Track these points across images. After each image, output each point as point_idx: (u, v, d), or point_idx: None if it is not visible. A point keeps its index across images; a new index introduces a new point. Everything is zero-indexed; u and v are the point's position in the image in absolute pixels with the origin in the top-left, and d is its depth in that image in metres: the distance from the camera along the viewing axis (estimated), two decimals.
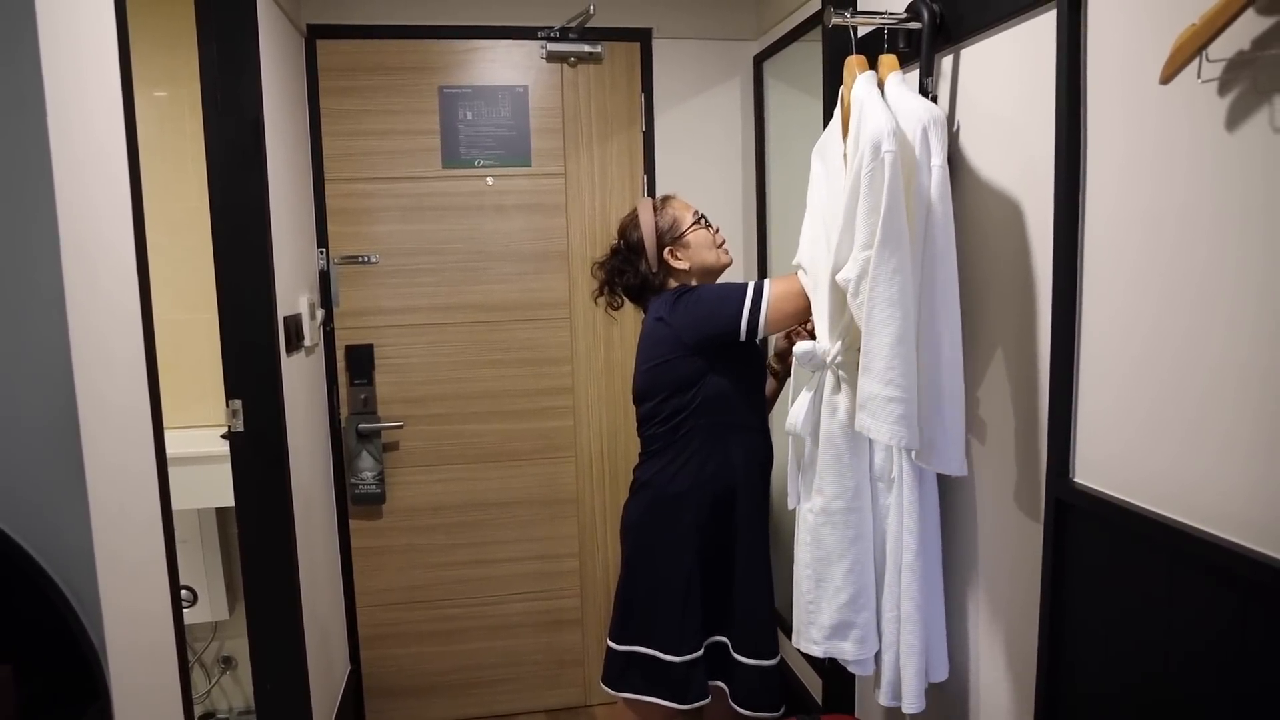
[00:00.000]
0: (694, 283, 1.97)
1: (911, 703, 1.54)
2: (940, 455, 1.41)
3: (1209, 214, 1.02)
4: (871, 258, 1.35)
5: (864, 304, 1.38)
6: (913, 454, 1.43)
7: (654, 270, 1.98)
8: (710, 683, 1.95)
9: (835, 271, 1.47)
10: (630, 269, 2.00)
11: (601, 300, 2.09)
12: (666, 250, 1.96)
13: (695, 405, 1.88)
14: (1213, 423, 1.03)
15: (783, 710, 1.96)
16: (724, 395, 1.88)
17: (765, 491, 1.99)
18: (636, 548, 1.97)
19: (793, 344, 1.72)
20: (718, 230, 2.01)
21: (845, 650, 1.60)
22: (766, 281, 1.84)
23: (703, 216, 1.99)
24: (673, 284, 1.98)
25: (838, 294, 1.50)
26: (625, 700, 1.98)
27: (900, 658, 1.55)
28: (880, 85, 1.48)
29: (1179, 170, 1.06)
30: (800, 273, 1.74)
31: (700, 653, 1.91)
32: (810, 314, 1.75)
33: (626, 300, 2.06)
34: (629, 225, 2.02)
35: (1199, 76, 1.01)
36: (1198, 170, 1.03)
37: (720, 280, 1.99)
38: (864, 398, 1.40)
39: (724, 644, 1.96)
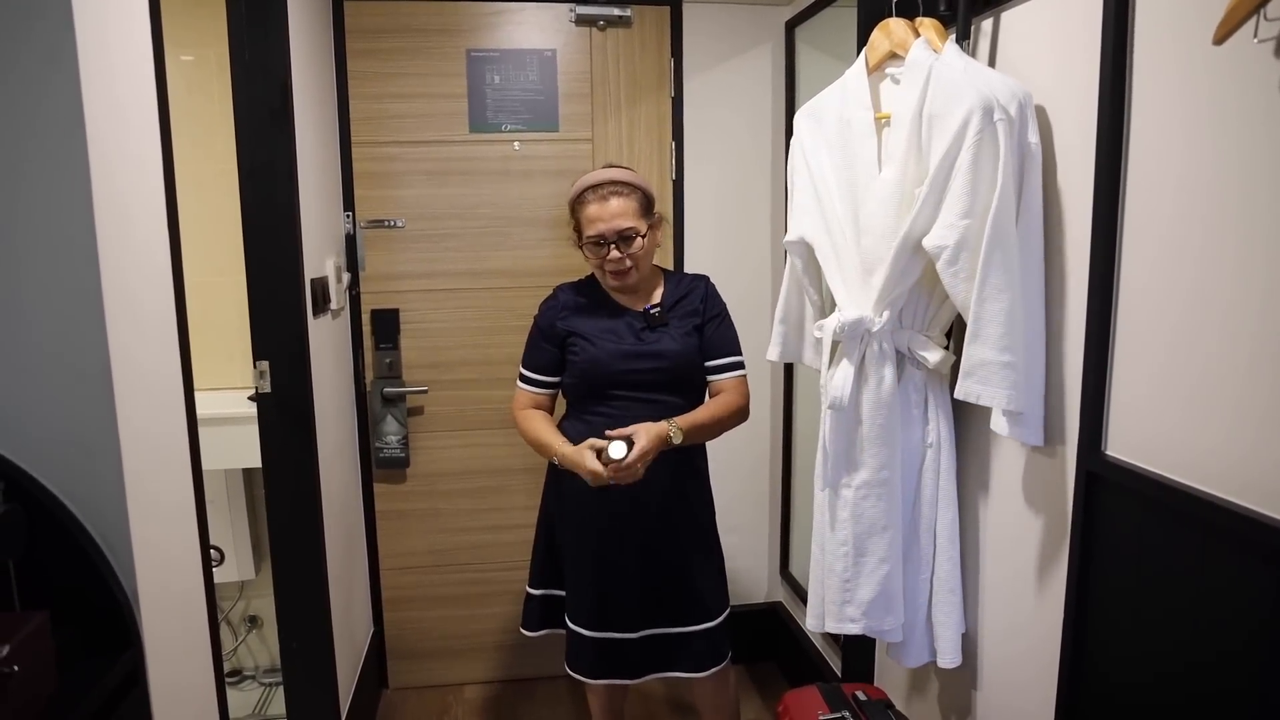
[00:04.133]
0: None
1: (950, 658, 1.58)
2: (1026, 423, 1.40)
3: (1262, 180, 0.99)
4: (988, 226, 1.33)
5: (968, 272, 1.37)
6: (1002, 423, 1.41)
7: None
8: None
9: (913, 239, 1.45)
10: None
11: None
12: (574, 236, 2.01)
13: None
14: (1250, 395, 1.01)
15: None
16: None
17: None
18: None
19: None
20: (619, 258, 1.90)
21: (885, 623, 1.59)
22: (519, 385, 2.05)
23: (610, 243, 1.89)
24: None
25: (902, 262, 1.48)
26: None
27: (934, 614, 1.59)
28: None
29: (1230, 135, 1.03)
30: (793, 256, 1.74)
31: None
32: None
33: None
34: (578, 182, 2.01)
35: (1255, 36, 0.97)
36: (1250, 135, 1.00)
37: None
38: (973, 364, 1.38)
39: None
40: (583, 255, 2.01)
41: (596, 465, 1.78)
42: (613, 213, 1.90)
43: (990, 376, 1.36)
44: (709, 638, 2.00)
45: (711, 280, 2.08)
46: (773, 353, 1.87)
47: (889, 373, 1.55)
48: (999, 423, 1.41)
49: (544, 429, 1.96)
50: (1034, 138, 1.36)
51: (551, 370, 2.01)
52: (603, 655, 1.97)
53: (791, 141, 1.73)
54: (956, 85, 1.36)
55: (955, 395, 1.44)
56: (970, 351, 1.38)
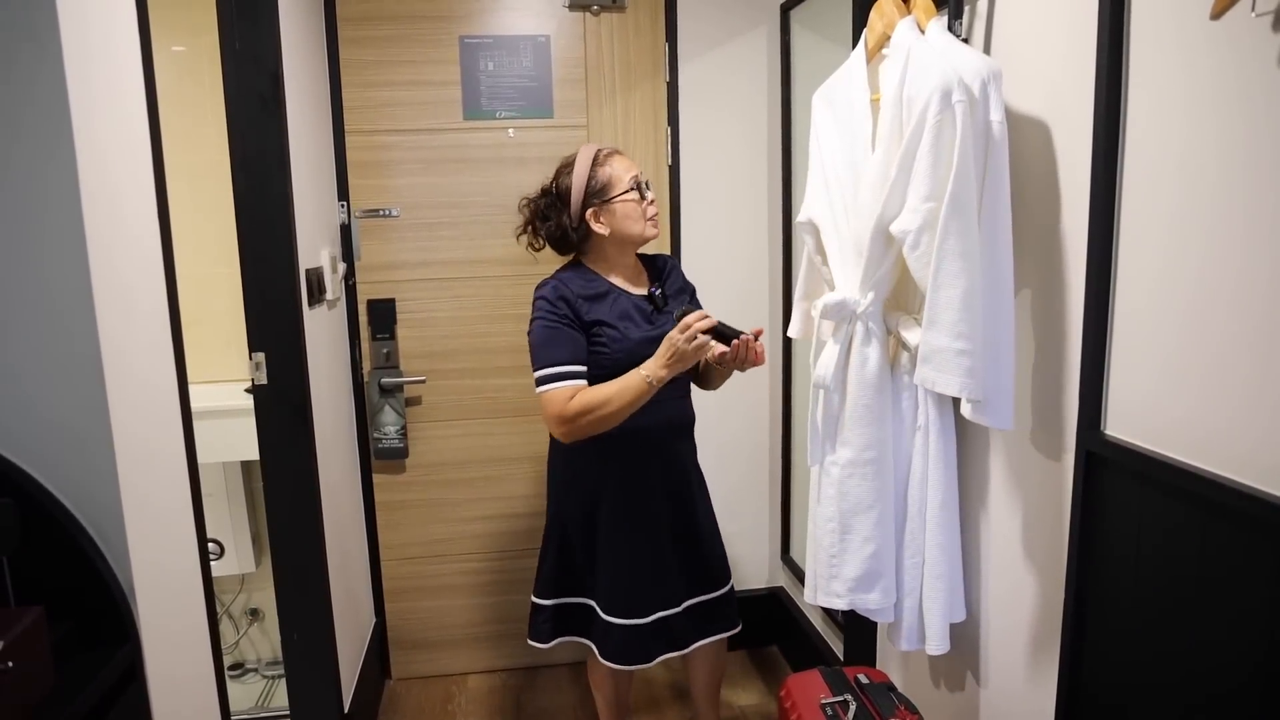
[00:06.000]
0: (609, 250, 1.94)
1: (936, 644, 1.57)
2: (993, 410, 1.39)
3: (1265, 157, 0.98)
4: (942, 210, 1.32)
5: (929, 256, 1.35)
6: (969, 409, 1.40)
7: (575, 226, 1.93)
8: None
9: (885, 222, 1.44)
10: (554, 216, 1.95)
11: (524, 239, 2.02)
12: (590, 210, 1.90)
13: None
14: (1253, 373, 1.00)
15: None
16: None
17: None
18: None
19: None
20: (651, 201, 1.93)
21: (870, 600, 1.62)
22: (550, 386, 1.84)
23: (641, 183, 1.91)
24: (590, 244, 1.95)
25: (879, 245, 1.47)
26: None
27: (924, 601, 1.58)
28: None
29: (1229, 110, 1.02)
30: (804, 236, 1.73)
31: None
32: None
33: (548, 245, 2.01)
34: (563, 170, 1.95)
35: (1253, 10, 0.96)
36: (1250, 110, 0.99)
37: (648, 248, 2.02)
38: (929, 351, 1.38)
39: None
40: (600, 220, 1.90)
41: (697, 337, 1.74)
42: (630, 162, 1.95)
43: (945, 363, 1.36)
44: (730, 598, 2.09)
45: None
46: (793, 330, 1.87)
47: (873, 353, 1.55)
48: (965, 408, 1.41)
49: (608, 387, 1.82)
50: (997, 115, 1.33)
51: (584, 358, 1.88)
52: (656, 636, 1.97)
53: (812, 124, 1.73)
54: (927, 66, 1.35)
55: (914, 380, 1.44)
56: (926, 338, 1.38)
